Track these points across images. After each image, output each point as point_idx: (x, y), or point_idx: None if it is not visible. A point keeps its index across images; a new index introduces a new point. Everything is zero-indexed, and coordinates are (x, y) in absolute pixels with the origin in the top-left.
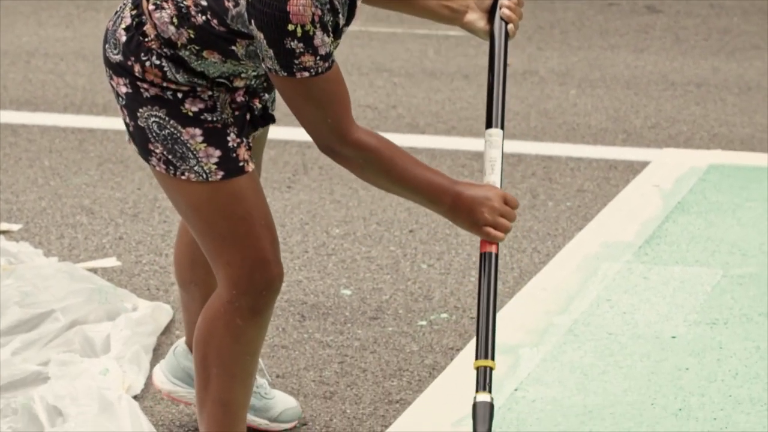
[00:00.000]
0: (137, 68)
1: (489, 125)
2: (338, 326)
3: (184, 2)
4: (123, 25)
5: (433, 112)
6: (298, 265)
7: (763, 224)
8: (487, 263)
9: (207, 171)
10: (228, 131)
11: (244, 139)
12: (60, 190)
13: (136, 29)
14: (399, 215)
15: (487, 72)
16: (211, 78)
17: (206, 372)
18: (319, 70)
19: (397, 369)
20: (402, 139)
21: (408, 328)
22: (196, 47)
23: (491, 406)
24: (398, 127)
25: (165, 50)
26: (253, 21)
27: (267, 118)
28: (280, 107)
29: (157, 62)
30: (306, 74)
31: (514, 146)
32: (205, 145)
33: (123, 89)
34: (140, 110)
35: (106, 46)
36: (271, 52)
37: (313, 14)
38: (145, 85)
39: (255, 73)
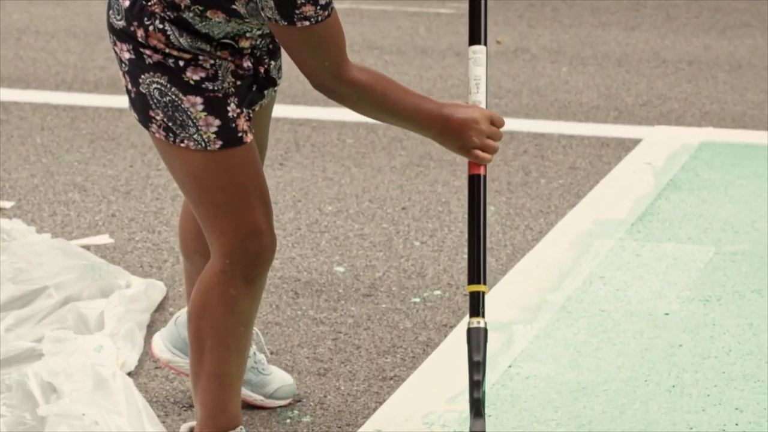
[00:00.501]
0: (140, 33)
1: (472, 42)
2: (332, 303)
3: None
4: None
5: (424, 89)
6: (291, 243)
7: (755, 201)
8: (476, 185)
9: (206, 140)
10: (228, 101)
11: (245, 110)
12: (52, 167)
13: None
14: (391, 192)
15: None
16: (216, 40)
17: (201, 344)
18: (319, 18)
19: (391, 346)
20: None
21: (401, 305)
22: (200, 7)
23: (485, 331)
24: None
25: (168, 13)
26: None
27: (270, 81)
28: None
29: (161, 26)
30: (306, 23)
31: (506, 123)
32: (205, 113)
33: (126, 55)
34: (142, 76)
35: (110, 12)
36: (271, 2)
37: None
38: (148, 52)
39: (260, 32)
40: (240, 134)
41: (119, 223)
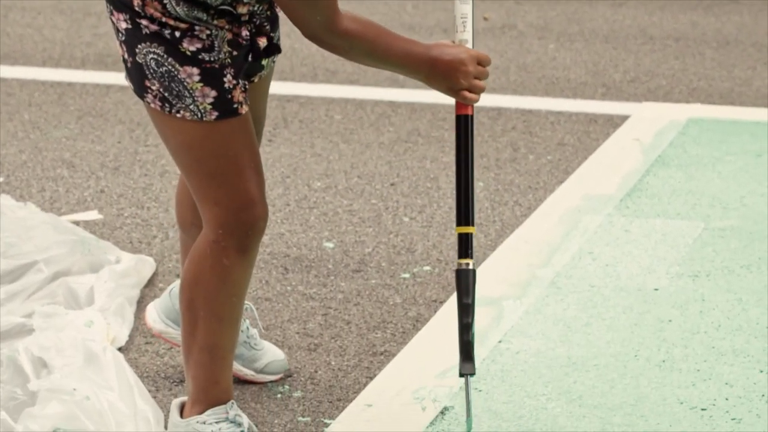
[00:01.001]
0: (137, 2)
1: None
2: (321, 279)
3: None
4: None
5: None
6: (280, 218)
7: (743, 177)
8: (463, 125)
9: (202, 110)
10: (225, 72)
11: (241, 81)
12: (40, 143)
13: None
14: (380, 168)
15: None
16: (213, 8)
17: (193, 316)
18: None
19: (381, 321)
20: (382, 94)
21: (391, 280)
22: None
23: (474, 272)
24: (378, 80)
25: None
26: None
27: (273, 49)
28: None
29: None
30: None
31: (494, 100)
32: (201, 84)
33: (123, 25)
34: (139, 46)
35: None
36: None
37: None
38: (145, 22)
39: None
40: (235, 105)
41: (108, 199)
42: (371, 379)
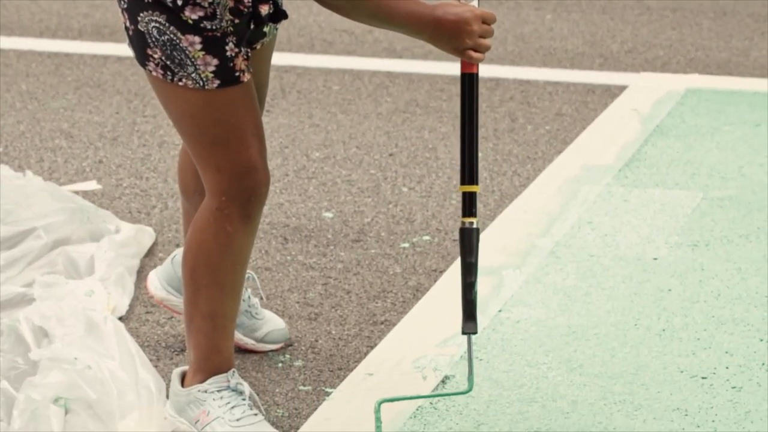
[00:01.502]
0: None
1: None
2: (321, 248)
3: None
4: None
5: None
6: (279, 189)
7: (742, 147)
8: (468, 84)
9: (204, 79)
10: (227, 40)
11: (243, 49)
12: (38, 114)
13: None
14: (378, 139)
15: None
16: None
17: (196, 284)
18: None
19: (381, 291)
20: (379, 64)
21: (391, 250)
22: None
23: (477, 231)
24: (375, 51)
25: None
26: None
27: (279, 15)
28: None
29: None
30: None
31: (492, 70)
32: (203, 53)
33: None
34: (141, 14)
35: None
36: None
37: None
38: None
39: None
40: (237, 73)
41: (106, 170)
42: (372, 348)
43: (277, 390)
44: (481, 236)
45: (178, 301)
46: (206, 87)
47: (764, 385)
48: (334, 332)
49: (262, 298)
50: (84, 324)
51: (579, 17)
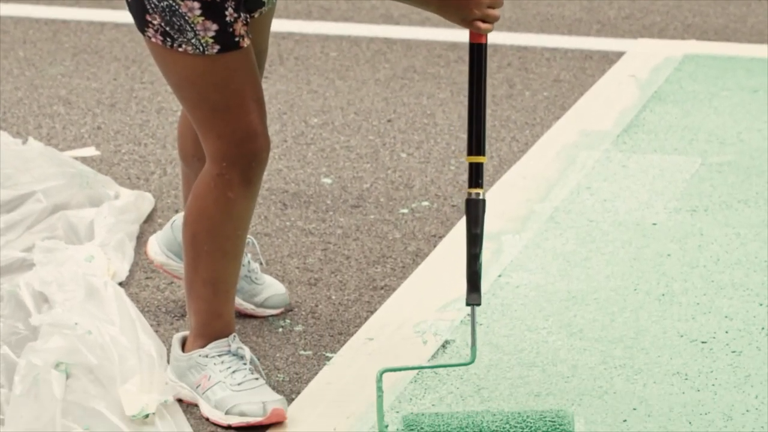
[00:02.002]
0: None
1: None
2: (320, 214)
3: None
4: None
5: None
6: (277, 154)
7: (740, 113)
8: (477, 54)
9: (204, 44)
10: (226, 5)
11: (242, 14)
12: (36, 80)
13: None
14: (376, 105)
15: None
16: None
17: (196, 250)
18: None
19: (381, 256)
20: (377, 30)
21: (390, 215)
22: None
23: (483, 202)
24: (373, 18)
25: None
26: None
27: None
28: None
29: None
30: None
31: (489, 37)
32: (202, 18)
33: None
34: None
35: None
36: None
37: None
38: None
39: None
40: (237, 39)
41: (105, 136)
42: (372, 313)
43: (277, 355)
44: None
45: (178, 266)
46: (206, 52)
47: (764, 349)
48: (334, 297)
49: (261, 264)
50: (84, 289)
51: None
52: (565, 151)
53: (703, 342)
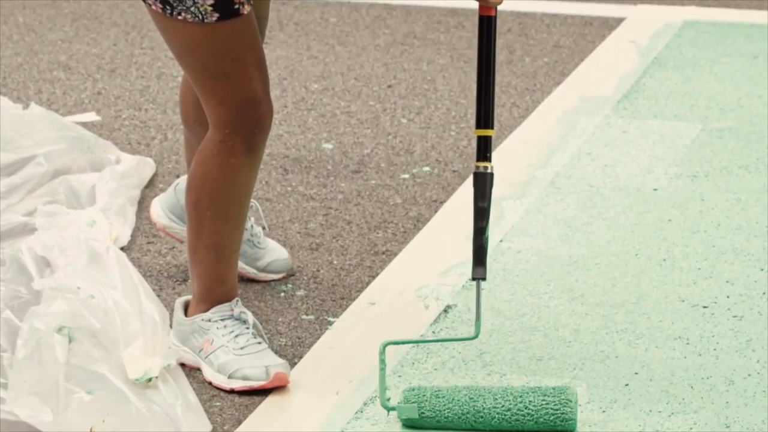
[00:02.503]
0: None
1: None
2: (321, 179)
3: None
4: None
5: None
6: (278, 120)
7: (740, 79)
8: (486, 27)
9: (203, 12)
10: None
11: None
12: (36, 46)
13: None
14: (377, 70)
15: None
16: None
17: (199, 216)
18: None
19: (382, 221)
20: None
21: (391, 181)
22: None
23: (491, 176)
24: None
25: None
26: None
27: None
28: None
29: None
30: None
31: None
32: None
33: None
34: None
35: None
36: None
37: None
38: None
39: None
40: (237, 6)
41: (105, 101)
42: (373, 278)
43: (279, 319)
44: None
45: (180, 228)
46: (205, 20)
47: (765, 314)
48: (335, 262)
49: (264, 228)
50: (86, 254)
51: None
52: (565, 117)
53: (704, 307)
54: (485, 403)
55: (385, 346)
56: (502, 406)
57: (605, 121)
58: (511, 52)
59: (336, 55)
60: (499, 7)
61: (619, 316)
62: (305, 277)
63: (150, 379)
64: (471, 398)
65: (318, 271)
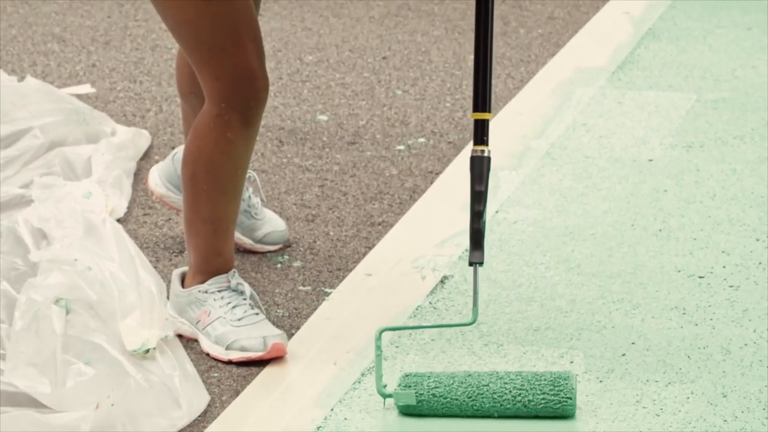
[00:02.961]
0: None
1: None
2: (317, 151)
3: None
4: None
5: None
6: (273, 92)
7: (734, 50)
8: (483, 7)
9: None
10: None
11: None
12: (30, 18)
13: None
14: (371, 42)
15: None
16: None
17: (196, 189)
18: None
19: (378, 192)
20: None
21: (386, 152)
22: None
23: (488, 160)
24: None
25: None
26: None
27: None
28: None
29: None
30: None
31: None
32: None
33: None
34: None
35: None
36: None
37: None
38: None
39: None
40: None
41: (100, 73)
42: (370, 249)
43: (276, 290)
44: None
45: (177, 198)
46: None
47: (761, 283)
48: (332, 233)
49: (262, 200)
50: (83, 226)
51: None
52: (560, 88)
53: (700, 277)
54: (484, 389)
55: (381, 332)
56: (501, 393)
57: (600, 92)
58: (506, 23)
59: (330, 27)
60: None
61: (615, 286)
62: (302, 249)
63: (147, 351)
64: (469, 385)
65: (314, 242)
